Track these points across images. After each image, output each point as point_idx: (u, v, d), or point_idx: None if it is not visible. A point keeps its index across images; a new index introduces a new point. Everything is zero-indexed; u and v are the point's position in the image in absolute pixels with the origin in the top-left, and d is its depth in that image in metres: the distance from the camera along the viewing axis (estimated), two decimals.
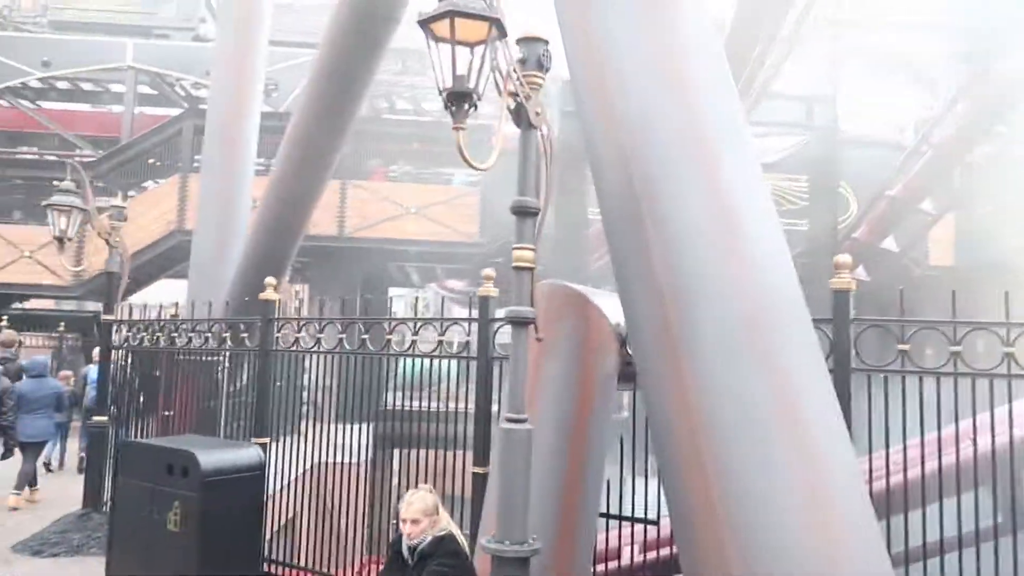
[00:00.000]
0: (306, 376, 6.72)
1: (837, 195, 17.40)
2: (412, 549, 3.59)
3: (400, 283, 22.39)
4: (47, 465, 8.98)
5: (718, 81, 3.50)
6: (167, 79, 19.21)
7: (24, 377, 8.60)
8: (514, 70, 3.16)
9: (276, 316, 5.90)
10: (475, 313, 4.86)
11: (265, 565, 5.75)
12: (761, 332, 3.03)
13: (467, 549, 3.65)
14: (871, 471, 3.79)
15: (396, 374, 5.65)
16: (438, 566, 3.45)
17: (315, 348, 5.69)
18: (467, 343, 4.88)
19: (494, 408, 4.79)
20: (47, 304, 19.60)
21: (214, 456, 5.27)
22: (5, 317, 14.76)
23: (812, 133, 17.75)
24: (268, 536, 5.88)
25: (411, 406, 5.60)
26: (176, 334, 6.49)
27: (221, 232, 10.71)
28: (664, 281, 3.20)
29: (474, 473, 4.64)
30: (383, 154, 17.56)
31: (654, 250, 3.25)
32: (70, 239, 7.13)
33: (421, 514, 3.60)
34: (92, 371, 9.55)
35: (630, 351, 3.69)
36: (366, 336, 5.31)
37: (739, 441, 3.00)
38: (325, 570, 5.53)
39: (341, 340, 5.46)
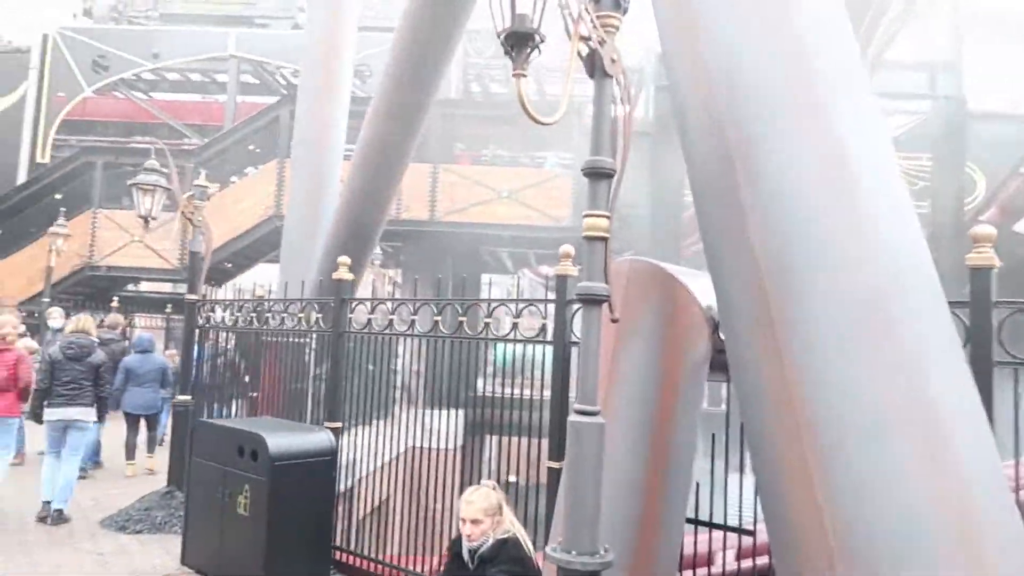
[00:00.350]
0: (397, 360, 6.60)
1: (963, 174, 15.98)
2: (472, 552, 3.26)
3: (494, 269, 22.29)
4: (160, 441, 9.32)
5: (828, 15, 2.96)
6: (267, 67, 19.66)
7: (132, 352, 9.15)
8: (586, 10, 2.72)
9: (349, 296, 5.69)
10: (552, 296, 4.47)
11: (341, 555, 5.57)
12: (885, 313, 2.49)
13: (532, 553, 3.29)
14: (1018, 481, 3.18)
15: (488, 359, 5.32)
16: (499, 573, 3.10)
17: (389, 330, 5.44)
18: (543, 327, 4.50)
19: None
20: (163, 287, 20.57)
21: (284, 440, 5.10)
22: (115, 298, 15.48)
23: (934, 107, 16.33)
24: (355, 522, 5.71)
25: (502, 392, 5.28)
26: (254, 314, 6.40)
27: (311, 215, 10.74)
28: (763, 253, 2.70)
29: (549, 468, 4.25)
30: (475, 138, 17.36)
31: (751, 218, 2.75)
32: (154, 218, 7.19)
33: (483, 514, 3.26)
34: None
35: (723, 337, 3.21)
36: (463, 319, 4.96)
37: (855, 444, 2.49)
38: (409, 566, 5.27)
39: (413, 322, 5.19)
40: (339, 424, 5.63)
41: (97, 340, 7.23)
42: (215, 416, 7.01)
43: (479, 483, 3.58)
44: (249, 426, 5.23)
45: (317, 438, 5.32)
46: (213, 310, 7.05)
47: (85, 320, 7.20)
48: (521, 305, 4.65)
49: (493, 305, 4.78)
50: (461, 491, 3.79)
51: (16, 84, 18.08)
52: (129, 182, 7.02)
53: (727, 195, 2.88)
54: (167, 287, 20.06)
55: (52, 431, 6.73)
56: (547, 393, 4.56)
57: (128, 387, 8.56)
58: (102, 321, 10.37)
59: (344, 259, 5.71)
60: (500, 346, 5.51)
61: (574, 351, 4.29)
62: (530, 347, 4.75)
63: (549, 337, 4.51)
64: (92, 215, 16.57)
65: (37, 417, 6.76)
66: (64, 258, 16.58)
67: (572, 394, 4.29)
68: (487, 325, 4.73)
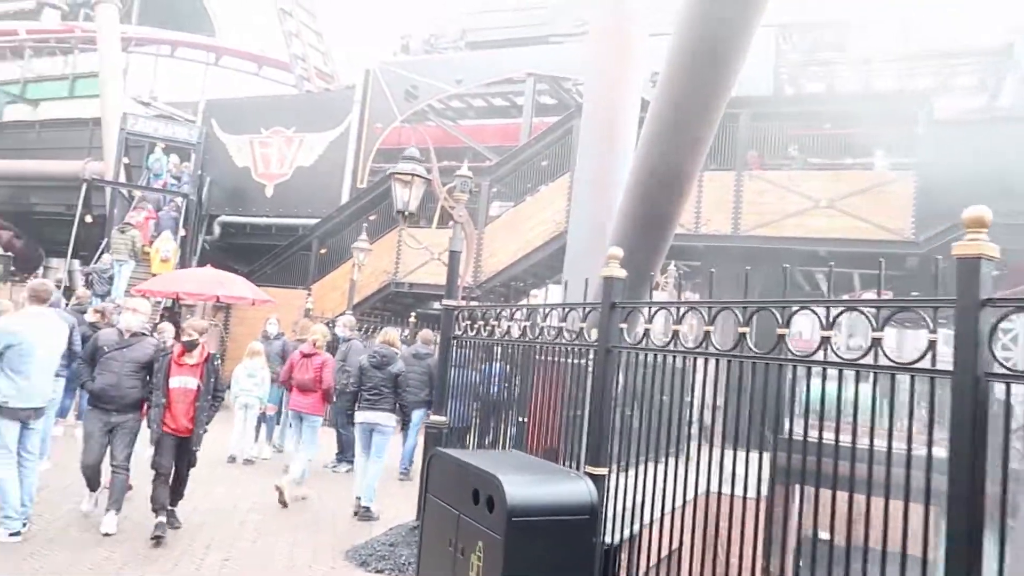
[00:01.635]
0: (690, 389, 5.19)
1: None
2: None
3: (807, 293, 19.48)
4: None
5: None
6: (563, 84, 19.28)
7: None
8: None
9: (620, 300, 4.29)
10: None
11: None
12: None
13: None
14: None
15: (800, 392, 3.59)
16: None
17: (673, 345, 3.95)
18: (930, 346, 2.68)
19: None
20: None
21: (527, 487, 3.84)
22: (414, 314, 15.85)
23: None
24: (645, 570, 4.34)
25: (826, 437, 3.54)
26: (512, 322, 5.31)
27: (595, 228, 9.75)
28: None
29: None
30: (786, 140, 15.09)
31: None
32: (412, 213, 6.49)
33: None
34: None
35: None
36: (783, 331, 3.36)
37: None
38: None
39: (707, 335, 3.63)
40: (604, 470, 4.24)
41: (398, 352, 7.65)
42: (473, 442, 6.04)
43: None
44: (488, 463, 4.05)
45: (572, 488, 3.97)
46: (474, 319, 6.13)
47: (390, 333, 7.86)
48: (887, 312, 2.87)
49: (835, 309, 3.05)
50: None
51: (343, 117, 19.78)
52: (389, 170, 6.38)
53: None
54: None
55: (360, 433, 7.34)
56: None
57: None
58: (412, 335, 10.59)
59: (615, 250, 4.33)
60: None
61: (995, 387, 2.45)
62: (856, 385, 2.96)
63: (935, 363, 2.68)
64: (398, 234, 17.27)
65: (349, 419, 7.80)
66: (373, 275, 17.52)
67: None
68: (825, 341, 3.01)
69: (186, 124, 17.83)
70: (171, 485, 6.14)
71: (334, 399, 8.83)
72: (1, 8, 26.29)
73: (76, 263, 19.13)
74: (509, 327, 5.41)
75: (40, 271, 24.63)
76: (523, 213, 16.28)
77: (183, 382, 6.08)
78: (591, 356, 4.88)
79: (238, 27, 27.08)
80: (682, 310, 3.99)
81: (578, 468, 4.77)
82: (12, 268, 17.30)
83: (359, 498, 7.22)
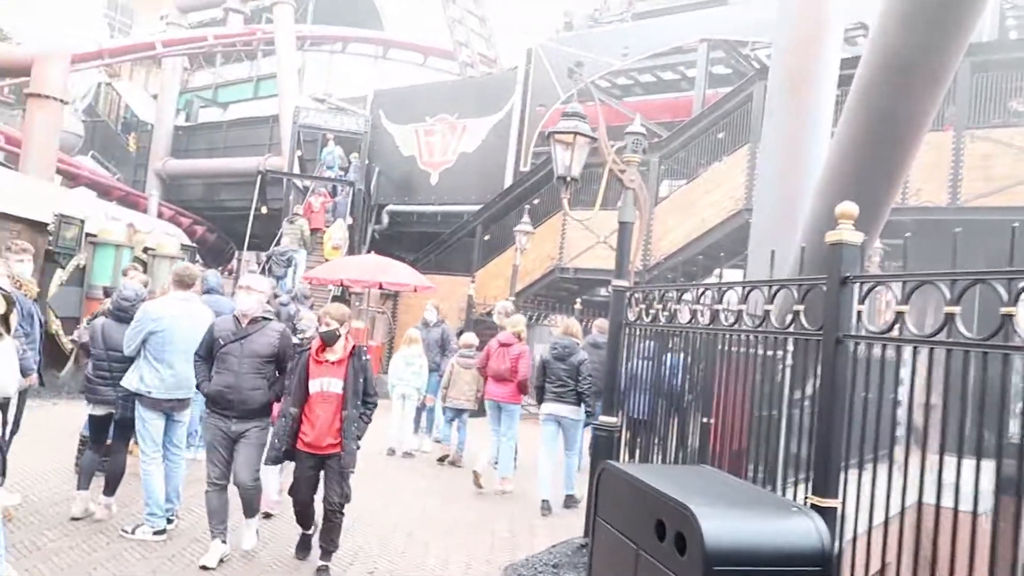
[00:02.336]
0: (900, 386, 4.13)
1: None
2: None
3: None
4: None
5: None
6: (740, 49, 17.63)
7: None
8: None
9: (856, 274, 3.18)
10: None
11: None
12: None
13: None
14: None
15: None
16: None
17: (938, 337, 2.81)
18: None
19: None
20: None
21: (730, 524, 2.86)
22: (579, 300, 15.03)
23: None
24: None
25: None
26: (698, 306, 4.29)
27: (785, 200, 8.39)
28: None
29: None
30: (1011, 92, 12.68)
31: None
32: (574, 179, 5.56)
33: None
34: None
35: None
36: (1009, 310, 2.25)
37: None
38: None
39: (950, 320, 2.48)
40: (835, 502, 3.16)
41: (579, 342, 7.39)
42: (639, 448, 5.08)
43: None
44: (674, 486, 3.09)
45: (793, 527, 2.94)
46: (650, 301, 5.16)
47: (572, 323, 7.57)
48: None
49: None
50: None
51: (505, 101, 19.28)
52: (547, 131, 5.51)
53: None
54: None
55: (545, 425, 7.22)
56: None
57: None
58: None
59: (847, 207, 3.21)
60: None
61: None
62: None
63: None
64: (562, 217, 16.50)
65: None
66: (537, 261, 16.87)
67: None
68: None
69: (353, 115, 18.12)
70: (321, 529, 4.92)
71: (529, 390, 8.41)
72: (195, 18, 28.27)
73: (252, 255, 20.05)
74: (695, 311, 4.40)
75: (235, 264, 26.38)
76: (696, 191, 14.95)
77: (323, 384, 4.81)
78: (790, 348, 3.84)
79: (404, 19, 27.45)
80: (951, 287, 2.82)
81: (775, 487, 3.73)
82: (198, 259, 18.36)
83: (546, 500, 7.03)
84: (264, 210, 16.82)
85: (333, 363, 4.85)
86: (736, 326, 4.08)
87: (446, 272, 18.08)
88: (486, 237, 18.09)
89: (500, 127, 19.31)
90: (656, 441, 4.90)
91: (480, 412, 10.30)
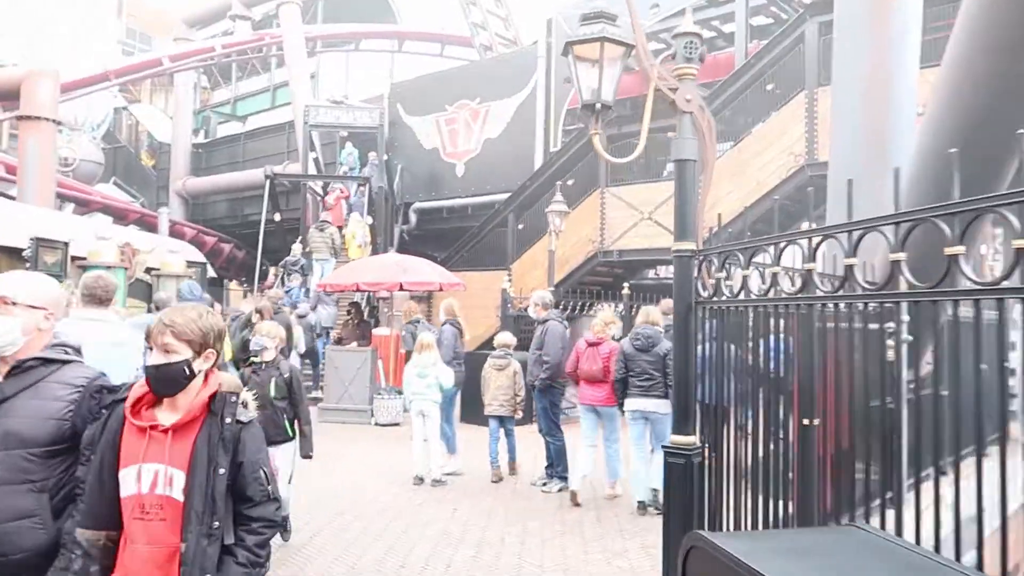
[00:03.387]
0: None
1: None
2: None
3: None
4: None
5: None
6: None
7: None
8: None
9: None
10: None
11: None
12: None
13: None
14: None
15: None
16: None
17: None
18: None
19: None
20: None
21: None
22: (626, 285, 13.51)
23: None
24: None
25: None
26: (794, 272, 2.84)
27: (871, 140, 6.90)
28: None
29: None
30: None
31: None
32: (608, 107, 4.01)
33: None
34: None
35: None
36: None
37: None
38: None
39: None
40: None
41: (662, 330, 6.91)
42: (722, 477, 3.59)
43: None
44: (791, 553, 1.64)
45: None
46: (729, 267, 3.72)
47: (652, 311, 7.11)
48: None
49: None
50: None
51: (528, 78, 17.84)
52: (566, 40, 4.04)
53: None
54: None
55: (632, 422, 6.86)
56: None
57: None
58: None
59: None
60: None
61: None
62: None
63: None
64: (600, 195, 15.00)
65: (620, 407, 7.02)
66: (576, 246, 15.40)
67: None
68: None
69: (366, 108, 16.89)
70: None
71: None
72: (207, 33, 27.47)
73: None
74: (802, 278, 2.94)
75: (271, 279, 25.51)
76: (747, 151, 13.28)
77: (146, 478, 2.25)
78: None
79: (418, 10, 26.19)
80: None
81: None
82: (216, 275, 17.40)
83: (641, 502, 6.79)
84: (277, 217, 15.70)
85: (168, 432, 2.27)
86: (874, 290, 2.62)
87: (480, 268, 16.74)
88: (520, 226, 16.68)
89: (525, 107, 17.86)
90: (762, 479, 3.37)
91: (526, 419, 9.06)
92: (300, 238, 15.83)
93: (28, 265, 9.57)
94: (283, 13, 21.23)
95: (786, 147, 12.66)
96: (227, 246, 23.76)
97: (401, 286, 10.79)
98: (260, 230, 15.87)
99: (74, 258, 10.09)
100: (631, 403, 6.77)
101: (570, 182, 15.82)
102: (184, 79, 24.30)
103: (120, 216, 20.81)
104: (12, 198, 14.96)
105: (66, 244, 9.97)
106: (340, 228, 16.28)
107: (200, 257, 15.49)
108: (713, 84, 14.53)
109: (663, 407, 6.58)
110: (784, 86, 13.05)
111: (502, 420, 8.03)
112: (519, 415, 8.10)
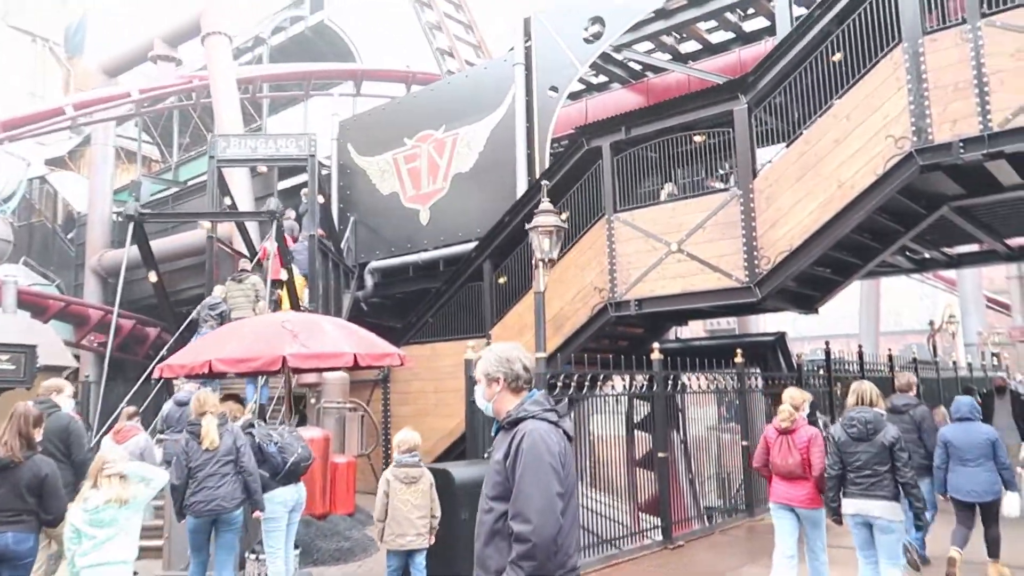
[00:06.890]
0: None
1: None
2: None
3: None
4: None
5: None
6: None
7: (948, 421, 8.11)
8: None
9: None
10: None
11: None
12: None
13: None
14: None
15: None
16: None
17: None
18: None
19: None
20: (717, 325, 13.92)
21: None
22: (655, 346, 9.15)
23: None
24: None
25: None
26: None
27: None
28: None
29: None
30: None
31: None
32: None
33: None
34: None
35: None
36: None
37: None
38: None
39: None
40: None
41: (884, 413, 5.74)
42: None
43: None
44: None
45: None
46: None
47: (867, 388, 5.74)
48: None
49: None
50: None
51: (504, 93, 13.95)
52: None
53: None
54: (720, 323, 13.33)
55: (855, 528, 5.77)
56: None
57: (952, 465, 6.84)
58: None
59: None
60: None
61: None
62: None
63: None
64: (606, 224, 10.82)
65: (833, 512, 5.69)
66: (578, 298, 11.11)
67: None
68: None
69: (293, 136, 12.98)
70: None
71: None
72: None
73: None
74: None
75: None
76: (819, 142, 9.15)
77: None
78: None
79: (382, 48, 22.70)
80: None
81: None
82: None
83: None
84: (153, 277, 11.41)
85: None
86: None
87: (447, 337, 12.44)
88: (500, 280, 12.43)
89: (501, 129, 13.86)
90: None
91: None
92: (229, 278, 11.61)
93: None
94: (209, 45, 17.55)
95: (878, 126, 8.55)
96: (152, 330, 19.48)
97: (284, 361, 6.34)
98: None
99: None
100: (850, 505, 5.69)
101: (563, 216, 11.57)
102: (102, 134, 20.55)
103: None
104: None
105: None
106: (276, 283, 11.96)
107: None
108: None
109: (891, 512, 5.56)
110: (864, 49, 9.03)
111: (411, 555, 6.01)
112: (432, 541, 6.07)
